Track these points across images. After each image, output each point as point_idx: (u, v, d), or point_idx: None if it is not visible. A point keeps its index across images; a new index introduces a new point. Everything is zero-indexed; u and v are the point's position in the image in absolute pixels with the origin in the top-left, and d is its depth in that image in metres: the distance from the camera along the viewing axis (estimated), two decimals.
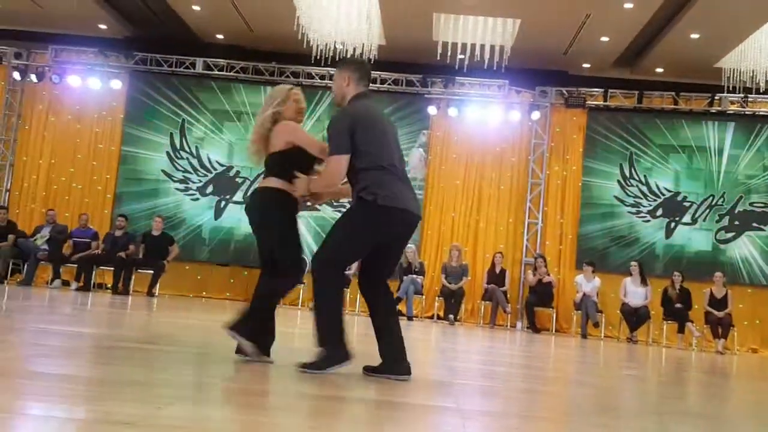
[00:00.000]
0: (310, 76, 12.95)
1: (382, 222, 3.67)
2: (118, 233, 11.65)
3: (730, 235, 12.22)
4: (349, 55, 11.48)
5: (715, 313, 11.04)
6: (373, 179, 3.67)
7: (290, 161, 3.90)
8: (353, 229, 3.72)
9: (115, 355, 3.95)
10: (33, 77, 12.87)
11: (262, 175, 4.07)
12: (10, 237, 11.57)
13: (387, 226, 3.69)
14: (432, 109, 12.58)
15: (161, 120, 12.94)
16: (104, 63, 13.00)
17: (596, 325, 11.31)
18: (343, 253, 3.76)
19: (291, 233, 3.99)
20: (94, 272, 11.36)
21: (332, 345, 3.62)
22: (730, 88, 11.67)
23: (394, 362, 3.71)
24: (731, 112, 12.50)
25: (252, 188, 12.82)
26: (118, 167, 12.90)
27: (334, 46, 11.34)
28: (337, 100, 3.96)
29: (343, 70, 3.93)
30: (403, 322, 11.38)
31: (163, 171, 12.85)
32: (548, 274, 11.78)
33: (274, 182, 3.92)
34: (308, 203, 4.18)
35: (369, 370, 3.75)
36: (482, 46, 11.35)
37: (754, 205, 12.22)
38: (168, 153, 12.89)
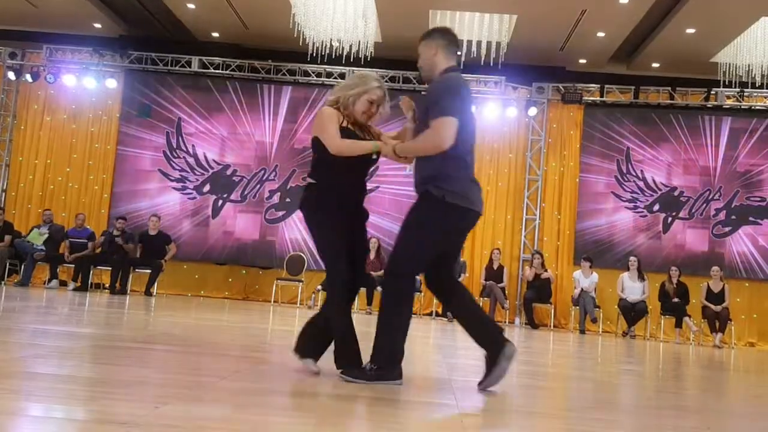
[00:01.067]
0: (306, 73, 12.94)
1: (449, 221, 3.39)
2: (116, 233, 11.60)
3: (727, 229, 12.24)
4: (345, 53, 11.49)
5: (713, 307, 11.07)
6: (446, 169, 3.37)
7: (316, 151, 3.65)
8: (420, 229, 3.42)
9: (113, 355, 3.94)
10: (28, 77, 12.83)
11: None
12: (7, 237, 11.54)
13: (453, 225, 3.43)
14: None
15: (157, 119, 12.91)
16: (99, 62, 12.96)
17: (594, 320, 11.33)
18: (413, 260, 3.42)
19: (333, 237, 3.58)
20: (91, 272, 11.34)
21: (389, 363, 3.34)
22: (726, 83, 11.70)
23: (495, 347, 3.41)
24: (727, 106, 12.52)
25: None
26: (115, 167, 12.88)
27: (331, 43, 11.34)
28: (426, 73, 3.66)
29: (431, 39, 3.61)
30: None
31: (159, 170, 12.83)
32: (546, 270, 11.79)
33: (309, 179, 3.67)
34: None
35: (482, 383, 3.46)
36: (479, 43, 11.35)
37: (751, 199, 12.24)
38: (164, 152, 12.87)
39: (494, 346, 3.39)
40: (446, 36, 3.61)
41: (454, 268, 3.61)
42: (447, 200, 3.32)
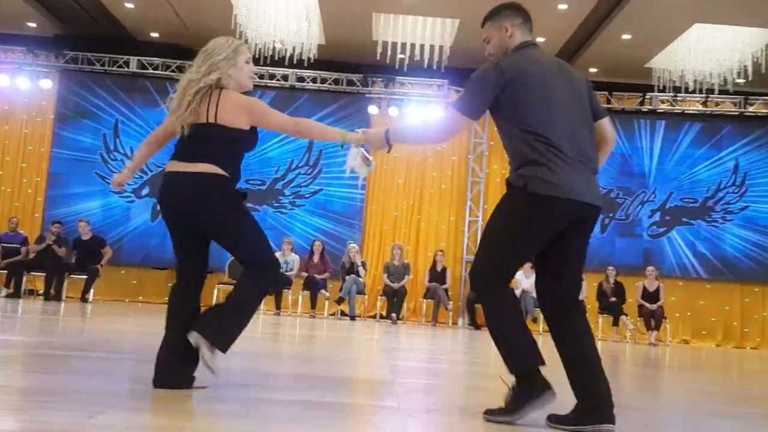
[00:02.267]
0: None
1: (537, 216, 2.79)
2: (52, 238, 11.23)
3: (661, 230, 12.62)
4: (288, 55, 11.40)
5: (648, 306, 11.38)
6: (527, 156, 2.80)
7: (243, 146, 3.17)
8: (505, 227, 2.87)
9: (47, 364, 3.82)
10: None
11: (185, 156, 3.10)
12: None
13: (545, 221, 2.80)
14: (373, 109, 12.60)
15: (94, 120, 12.58)
16: (33, 62, 12.56)
17: (535, 320, 11.51)
18: (499, 262, 2.88)
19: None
20: (24, 278, 10.97)
21: (522, 379, 2.82)
22: (661, 88, 12.07)
23: (592, 408, 2.75)
24: (661, 110, 12.90)
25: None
26: (49, 169, 12.50)
27: (273, 45, 11.25)
28: (498, 59, 2.98)
29: (501, 18, 3.06)
30: (345, 322, 11.37)
31: (96, 173, 12.50)
32: None
33: (212, 168, 3.05)
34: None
35: (555, 421, 2.81)
36: (422, 46, 11.43)
37: (684, 200, 12.65)
38: (101, 155, 12.55)
39: (591, 411, 2.75)
40: (520, 12, 3.09)
41: (567, 281, 2.92)
42: (530, 190, 2.76)
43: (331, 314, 11.71)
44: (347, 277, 11.42)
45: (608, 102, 12.92)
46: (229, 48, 3.22)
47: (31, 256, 11.23)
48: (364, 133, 3.19)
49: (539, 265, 2.96)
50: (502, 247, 2.86)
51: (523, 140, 2.82)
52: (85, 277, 10.92)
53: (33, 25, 12.66)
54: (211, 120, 3.07)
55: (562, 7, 10.53)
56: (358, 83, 12.79)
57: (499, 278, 2.88)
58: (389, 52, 11.54)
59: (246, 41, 10.92)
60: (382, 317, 11.87)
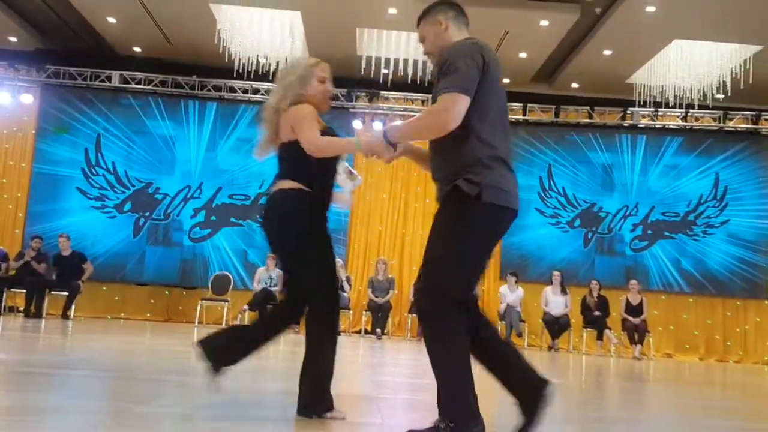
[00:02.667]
0: (232, 89, 12.78)
1: (489, 226, 2.65)
2: (32, 254, 11.10)
3: (643, 244, 12.70)
4: (272, 69, 11.41)
5: (631, 319, 11.43)
6: (479, 158, 2.61)
7: (304, 154, 3.03)
8: (459, 236, 2.62)
9: (28, 381, 3.76)
10: None
11: (276, 177, 3.19)
12: None
13: (494, 231, 2.69)
14: (357, 123, 12.62)
15: (75, 135, 12.50)
16: (14, 76, 12.48)
17: (519, 334, 11.52)
18: (457, 276, 2.64)
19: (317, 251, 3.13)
20: (4, 295, 10.83)
21: (460, 417, 2.67)
22: (641, 103, 12.20)
23: (533, 396, 2.84)
24: (642, 125, 13.03)
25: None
26: (30, 185, 12.38)
27: (257, 59, 11.26)
28: (437, 58, 2.80)
29: (435, 13, 2.90)
30: None
31: (77, 188, 12.40)
32: None
33: (287, 183, 3.09)
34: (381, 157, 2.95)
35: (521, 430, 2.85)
36: (405, 61, 11.49)
37: (665, 214, 12.75)
38: (83, 170, 12.45)
39: (534, 398, 2.82)
40: (453, 6, 2.93)
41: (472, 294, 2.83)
42: (484, 199, 2.58)
43: None
44: None
45: (590, 117, 13.04)
46: (301, 68, 3.20)
47: (11, 272, 11.09)
48: (365, 138, 2.94)
49: None
50: (466, 257, 2.62)
51: (477, 139, 2.62)
52: (66, 293, 10.79)
53: (14, 39, 12.59)
54: (283, 140, 3.13)
55: (544, 23, 10.63)
56: (342, 98, 12.82)
57: (458, 294, 2.65)
58: (373, 67, 11.59)
59: (230, 55, 10.97)
60: (366, 332, 11.82)
